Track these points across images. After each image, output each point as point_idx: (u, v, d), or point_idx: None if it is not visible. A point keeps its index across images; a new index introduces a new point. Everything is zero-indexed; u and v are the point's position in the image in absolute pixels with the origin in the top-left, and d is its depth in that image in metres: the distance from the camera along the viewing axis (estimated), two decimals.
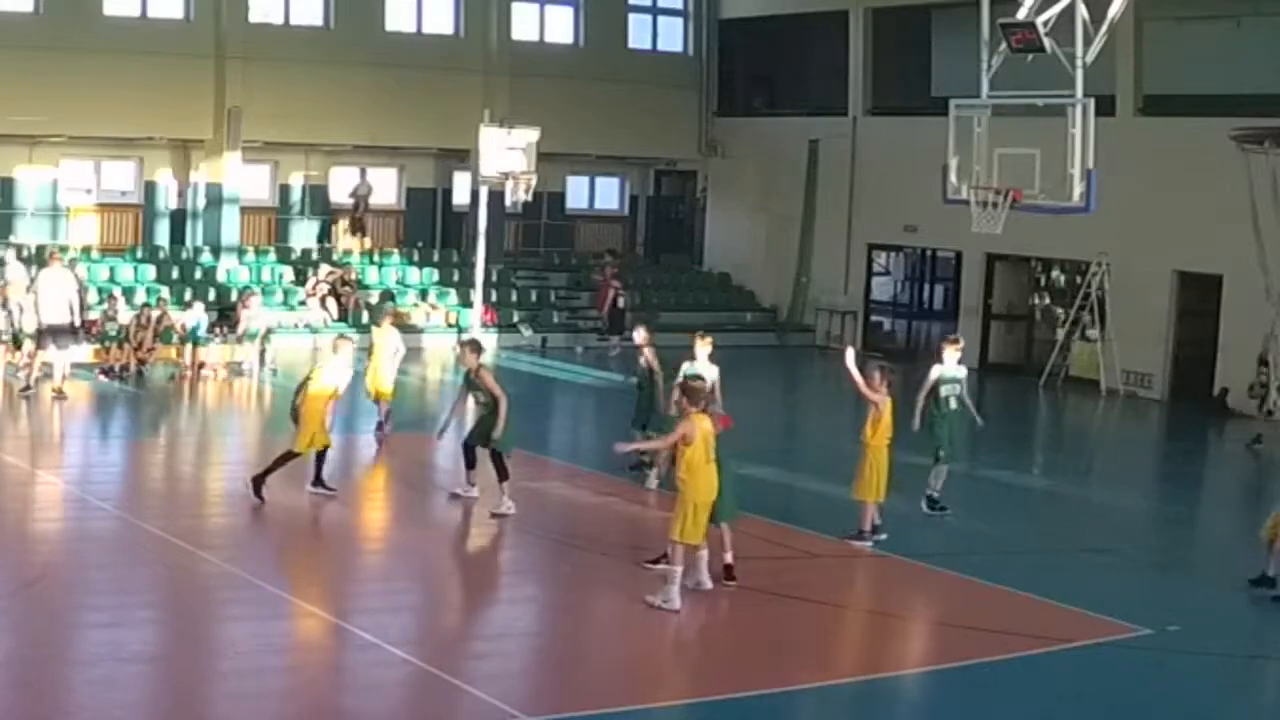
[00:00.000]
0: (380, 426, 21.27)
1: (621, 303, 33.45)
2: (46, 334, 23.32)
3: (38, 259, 28.18)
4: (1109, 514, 19.56)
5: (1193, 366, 28.79)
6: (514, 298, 34.35)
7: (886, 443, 16.06)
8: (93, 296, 28.20)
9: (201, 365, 26.39)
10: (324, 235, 34.97)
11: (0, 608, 12.78)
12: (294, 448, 17.03)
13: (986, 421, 19.10)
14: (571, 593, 14.55)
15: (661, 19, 38.35)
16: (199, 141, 32.51)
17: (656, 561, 14.39)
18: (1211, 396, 27.94)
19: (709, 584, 14.04)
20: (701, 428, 13.46)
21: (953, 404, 17.60)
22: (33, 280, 24.58)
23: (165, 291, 29.07)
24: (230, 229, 32.69)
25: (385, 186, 36.58)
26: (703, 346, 18.36)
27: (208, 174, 32.62)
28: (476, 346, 17.68)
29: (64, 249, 29.04)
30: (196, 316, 27.43)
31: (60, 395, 22.95)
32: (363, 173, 34.52)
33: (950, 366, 17.71)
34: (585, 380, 28.66)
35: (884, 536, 16.20)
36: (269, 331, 27.59)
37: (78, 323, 24.06)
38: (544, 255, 37.68)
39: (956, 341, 18.35)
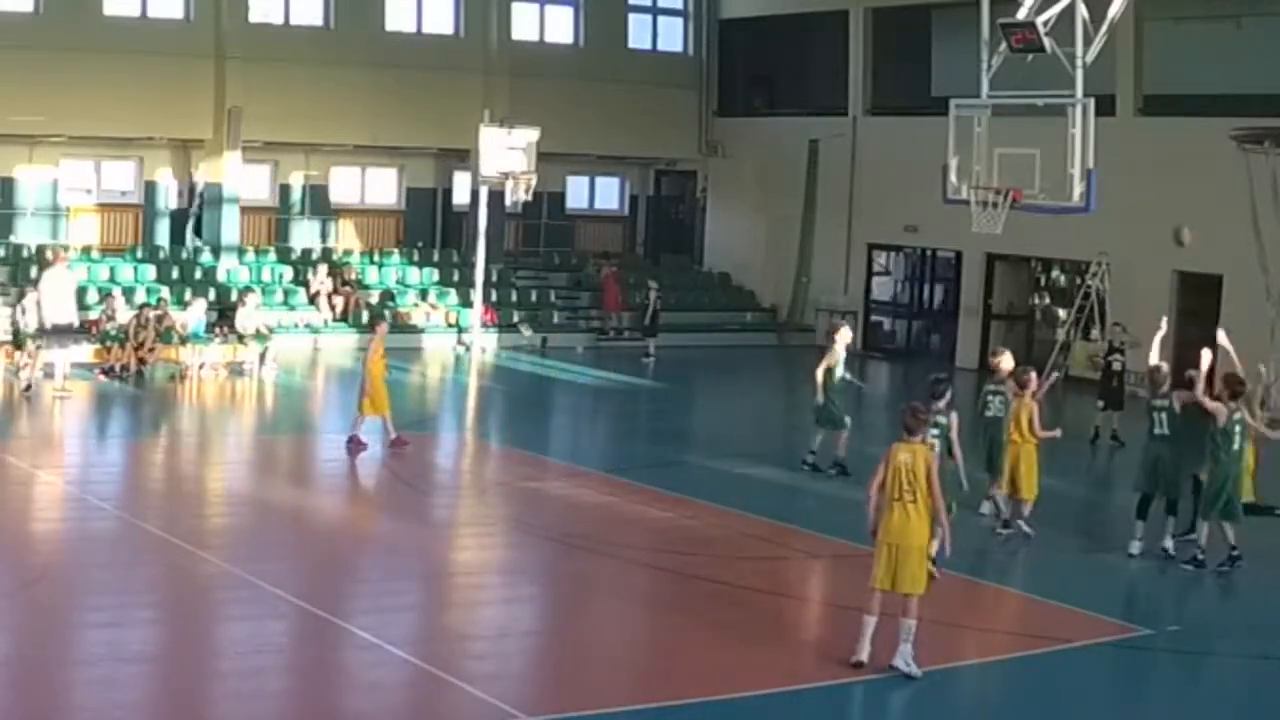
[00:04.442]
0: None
1: (658, 306, 32.97)
2: (51, 334, 23.32)
3: (39, 259, 28.16)
4: (1109, 514, 19.54)
5: (1193, 366, 28.68)
6: (514, 298, 34.34)
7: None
8: (92, 296, 28.21)
9: (201, 365, 26.38)
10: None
11: (0, 608, 12.79)
12: None
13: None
14: (571, 592, 14.54)
15: (661, 19, 38.36)
16: (199, 141, 32.51)
17: None
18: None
19: (863, 657, 12.02)
20: (896, 459, 11.94)
21: None
22: (36, 280, 24.58)
23: (165, 291, 29.06)
24: (230, 229, 32.68)
25: (385, 186, 36.60)
26: None
27: (208, 174, 32.60)
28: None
29: (67, 248, 29.03)
30: (195, 315, 27.42)
31: (61, 395, 22.94)
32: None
33: None
34: (585, 380, 28.62)
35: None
36: (269, 331, 27.57)
37: (77, 323, 24.08)
38: (544, 255, 37.67)
39: None
